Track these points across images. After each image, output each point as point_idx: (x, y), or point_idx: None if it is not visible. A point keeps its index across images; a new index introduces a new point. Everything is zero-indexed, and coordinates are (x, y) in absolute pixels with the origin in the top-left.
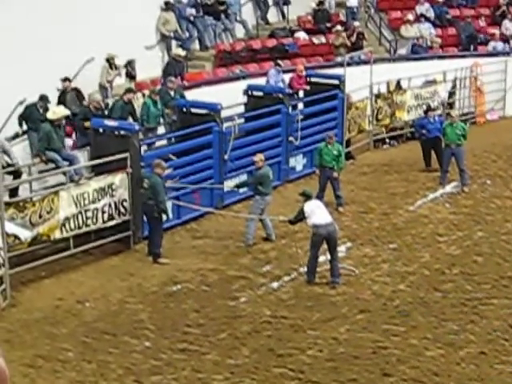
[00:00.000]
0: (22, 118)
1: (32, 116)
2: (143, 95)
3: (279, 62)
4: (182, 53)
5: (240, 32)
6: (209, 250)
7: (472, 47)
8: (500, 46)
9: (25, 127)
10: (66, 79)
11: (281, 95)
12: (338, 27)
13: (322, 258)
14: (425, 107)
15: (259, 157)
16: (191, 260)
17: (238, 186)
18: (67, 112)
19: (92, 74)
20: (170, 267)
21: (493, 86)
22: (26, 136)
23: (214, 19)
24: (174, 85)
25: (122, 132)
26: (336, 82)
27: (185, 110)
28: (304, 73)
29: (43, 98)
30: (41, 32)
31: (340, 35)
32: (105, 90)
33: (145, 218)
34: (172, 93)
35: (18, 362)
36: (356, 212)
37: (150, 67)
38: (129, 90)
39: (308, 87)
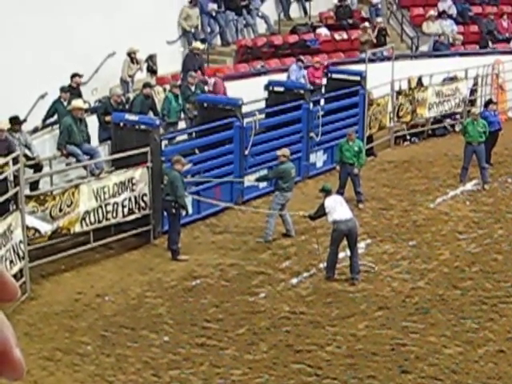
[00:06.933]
0: (54, 111)
1: (59, 110)
2: (164, 90)
3: (302, 58)
4: (201, 46)
5: (262, 27)
6: (228, 245)
7: (493, 44)
8: None
9: (51, 120)
10: (75, 75)
11: (302, 91)
12: (366, 24)
13: (341, 255)
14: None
15: (283, 151)
16: (210, 255)
17: (259, 180)
18: (81, 104)
19: (113, 68)
20: (190, 262)
21: None
22: (46, 130)
23: (235, 14)
24: (194, 80)
25: (143, 126)
26: (357, 78)
27: (205, 105)
28: (318, 65)
29: (63, 89)
30: (63, 26)
31: (366, 32)
32: (126, 85)
33: (165, 213)
34: (193, 88)
35: (36, 355)
36: (376, 209)
37: (172, 62)
38: (146, 85)
39: (323, 81)
